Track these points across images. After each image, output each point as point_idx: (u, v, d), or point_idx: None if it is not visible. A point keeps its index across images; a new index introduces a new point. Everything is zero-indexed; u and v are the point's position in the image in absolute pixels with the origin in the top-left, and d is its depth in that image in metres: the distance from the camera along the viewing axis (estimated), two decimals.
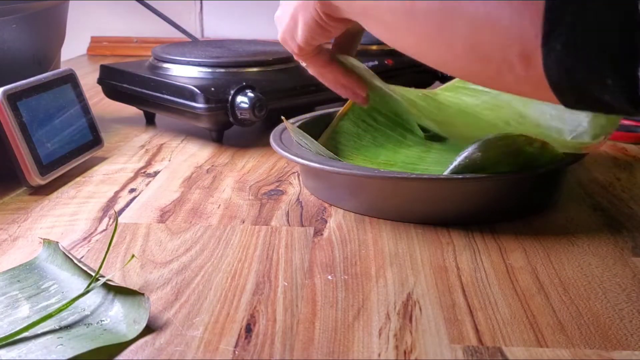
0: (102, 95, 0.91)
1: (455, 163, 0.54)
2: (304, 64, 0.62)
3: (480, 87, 0.72)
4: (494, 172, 0.55)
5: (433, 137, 0.68)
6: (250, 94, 0.74)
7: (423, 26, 0.43)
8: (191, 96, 0.75)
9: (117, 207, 0.61)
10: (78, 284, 0.46)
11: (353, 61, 0.62)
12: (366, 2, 0.47)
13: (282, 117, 0.64)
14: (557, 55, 0.35)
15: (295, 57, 0.62)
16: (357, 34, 0.64)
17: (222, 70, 0.81)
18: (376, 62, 0.93)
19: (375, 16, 0.47)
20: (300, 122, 0.69)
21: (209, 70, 0.81)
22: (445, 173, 0.54)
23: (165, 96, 0.79)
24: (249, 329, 0.41)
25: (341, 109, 0.67)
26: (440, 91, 0.74)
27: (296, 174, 0.69)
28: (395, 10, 0.44)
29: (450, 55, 0.43)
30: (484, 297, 0.45)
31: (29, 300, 0.44)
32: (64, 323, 0.41)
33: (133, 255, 0.50)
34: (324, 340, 0.40)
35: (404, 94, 0.66)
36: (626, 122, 0.85)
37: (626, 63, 0.33)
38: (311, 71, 0.62)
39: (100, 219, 0.58)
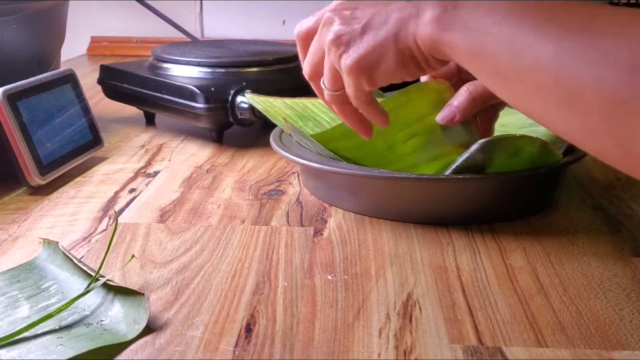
0: (102, 95, 0.91)
1: (457, 163, 0.54)
2: (327, 99, 0.54)
3: None
4: (494, 172, 0.55)
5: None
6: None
7: (553, 91, 0.36)
8: (191, 96, 0.75)
9: (117, 207, 0.61)
10: (78, 284, 0.46)
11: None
12: (491, 47, 0.40)
13: (283, 118, 0.64)
14: None
15: (330, 97, 0.53)
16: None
17: (222, 70, 0.81)
18: None
19: (496, 68, 0.40)
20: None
21: (209, 70, 0.81)
22: (447, 173, 0.54)
23: (165, 96, 0.79)
24: (249, 329, 0.41)
25: None
26: None
27: (296, 174, 0.69)
28: (523, 61, 0.38)
29: (586, 130, 0.36)
30: (484, 297, 0.45)
31: (29, 300, 0.44)
32: (64, 323, 0.41)
33: (133, 256, 0.50)
34: (324, 340, 0.40)
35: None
36: None
37: None
38: (336, 108, 0.54)
39: (100, 219, 0.58)
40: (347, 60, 0.47)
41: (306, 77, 0.54)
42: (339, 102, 0.52)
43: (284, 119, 0.64)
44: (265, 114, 0.68)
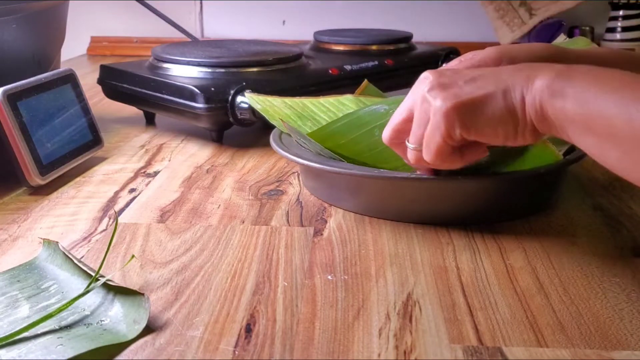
0: (102, 95, 0.91)
1: None
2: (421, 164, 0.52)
3: None
4: (494, 172, 0.55)
5: None
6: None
7: None
8: (191, 96, 0.75)
9: (117, 207, 0.61)
10: (78, 284, 0.46)
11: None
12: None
13: (280, 119, 0.64)
14: None
15: (417, 155, 0.51)
16: None
17: (222, 70, 0.81)
18: (376, 62, 0.93)
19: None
20: None
21: (209, 70, 0.81)
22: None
23: (165, 96, 0.79)
24: (249, 329, 0.41)
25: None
26: None
27: (296, 174, 0.69)
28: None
29: None
30: (484, 297, 0.45)
31: (29, 300, 0.44)
32: (64, 323, 0.41)
33: (133, 256, 0.50)
34: (324, 340, 0.40)
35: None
36: None
37: None
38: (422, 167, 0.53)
39: (100, 219, 0.58)
40: (447, 102, 0.46)
41: (385, 141, 0.53)
42: (422, 159, 0.51)
43: (281, 119, 0.64)
44: (264, 114, 0.68)
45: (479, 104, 0.46)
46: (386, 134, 0.53)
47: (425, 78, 0.49)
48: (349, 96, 0.64)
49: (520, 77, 0.46)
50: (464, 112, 0.46)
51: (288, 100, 0.67)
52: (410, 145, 0.51)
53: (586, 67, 0.44)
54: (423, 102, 0.48)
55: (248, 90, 0.74)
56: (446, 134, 0.47)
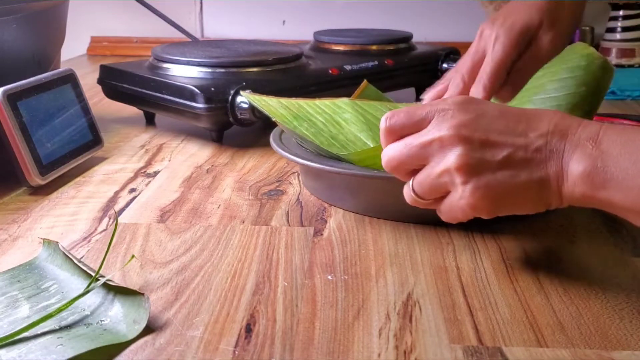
0: (102, 95, 0.91)
1: None
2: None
3: None
4: None
5: None
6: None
7: None
8: (191, 96, 0.75)
9: (117, 207, 0.61)
10: (78, 284, 0.46)
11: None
12: None
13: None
14: None
15: (416, 202, 0.48)
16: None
17: (222, 70, 0.81)
18: (376, 62, 0.93)
19: None
20: None
21: (209, 70, 0.81)
22: None
23: (165, 96, 0.79)
24: (249, 329, 0.41)
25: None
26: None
27: (296, 174, 0.69)
28: None
29: None
30: (484, 297, 0.45)
31: (29, 300, 0.44)
32: (64, 323, 0.41)
33: (133, 256, 0.50)
34: (324, 340, 0.40)
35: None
36: (626, 122, 0.85)
37: None
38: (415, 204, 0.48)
39: (100, 219, 0.58)
40: (477, 193, 0.43)
41: (386, 167, 0.48)
42: (424, 205, 0.48)
43: (275, 120, 0.64)
44: (263, 110, 0.68)
45: (511, 194, 0.43)
46: (390, 162, 0.47)
47: (451, 138, 0.43)
48: (345, 99, 0.63)
49: (552, 160, 0.42)
50: (494, 202, 0.43)
51: (284, 100, 0.67)
52: (414, 194, 0.47)
53: (618, 130, 0.41)
54: (445, 174, 0.44)
55: (248, 91, 0.74)
56: (470, 216, 0.45)
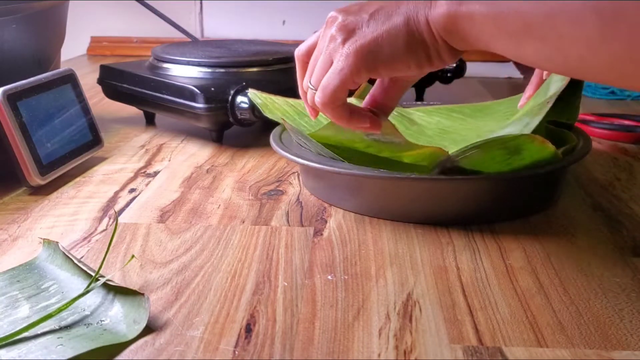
0: (102, 95, 0.91)
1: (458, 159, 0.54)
2: (316, 106, 0.52)
3: (453, 108, 0.77)
4: (494, 172, 0.55)
5: None
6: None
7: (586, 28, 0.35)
8: (191, 96, 0.75)
9: (117, 207, 0.61)
10: (78, 284, 0.46)
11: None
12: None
13: (282, 119, 0.64)
14: None
15: (330, 103, 0.50)
16: (407, 86, 0.55)
17: (222, 70, 0.81)
18: None
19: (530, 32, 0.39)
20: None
21: (209, 70, 0.81)
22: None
23: (165, 96, 0.79)
24: (248, 329, 0.41)
25: None
26: (412, 110, 0.76)
27: (296, 174, 0.69)
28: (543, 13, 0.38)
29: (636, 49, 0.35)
30: (484, 297, 0.45)
31: (29, 300, 0.44)
32: (64, 323, 0.41)
33: (133, 256, 0.50)
34: (324, 340, 0.40)
35: None
36: (626, 122, 0.85)
37: None
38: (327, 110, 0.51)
39: (100, 219, 0.58)
40: (352, 45, 0.47)
41: (301, 90, 0.54)
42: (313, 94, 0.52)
43: (282, 118, 0.64)
44: (262, 109, 0.68)
45: (382, 41, 0.46)
46: (304, 79, 0.53)
47: (333, 19, 0.49)
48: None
49: (421, 2, 0.45)
50: (368, 54, 0.46)
51: (291, 100, 0.68)
52: (311, 85, 0.51)
53: None
54: (329, 43, 0.48)
55: (253, 91, 0.74)
56: (349, 77, 0.47)
